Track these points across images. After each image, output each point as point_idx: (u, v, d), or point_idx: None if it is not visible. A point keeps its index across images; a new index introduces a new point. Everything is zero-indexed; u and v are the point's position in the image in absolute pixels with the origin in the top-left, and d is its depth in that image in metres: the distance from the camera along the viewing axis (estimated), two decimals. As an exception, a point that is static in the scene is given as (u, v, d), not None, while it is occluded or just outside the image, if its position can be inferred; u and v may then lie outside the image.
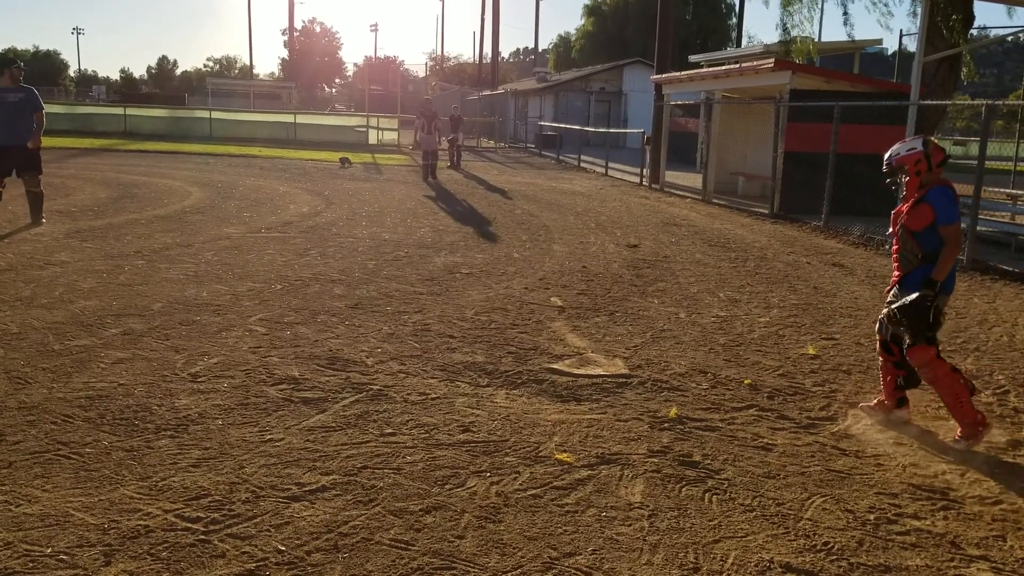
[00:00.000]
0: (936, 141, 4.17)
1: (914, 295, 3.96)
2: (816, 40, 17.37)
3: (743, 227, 12.29)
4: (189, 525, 2.95)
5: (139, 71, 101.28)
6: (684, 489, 3.45)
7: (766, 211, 13.74)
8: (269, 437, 3.78)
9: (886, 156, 4.18)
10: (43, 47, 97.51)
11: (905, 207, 4.14)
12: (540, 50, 70.47)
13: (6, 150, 9.17)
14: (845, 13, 21.52)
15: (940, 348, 4.15)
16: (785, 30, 16.25)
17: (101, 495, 3.15)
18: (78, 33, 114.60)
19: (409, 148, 29.70)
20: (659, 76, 19.39)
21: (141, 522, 2.96)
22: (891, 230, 4.25)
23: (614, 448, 3.84)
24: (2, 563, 2.67)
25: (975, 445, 3.99)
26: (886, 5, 15.76)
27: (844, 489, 3.51)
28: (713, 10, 52.55)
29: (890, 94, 14.44)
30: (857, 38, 18.70)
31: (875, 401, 4.44)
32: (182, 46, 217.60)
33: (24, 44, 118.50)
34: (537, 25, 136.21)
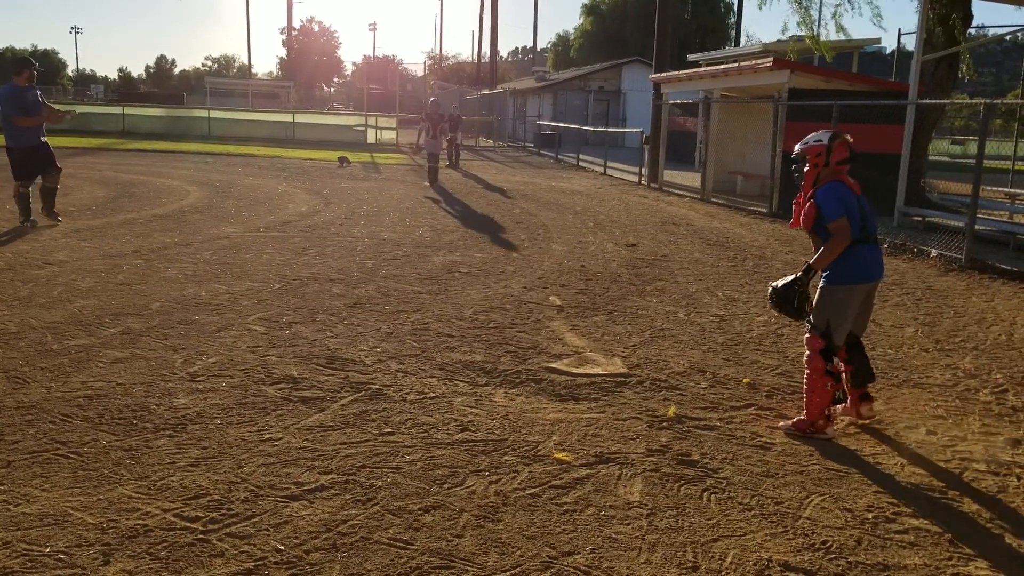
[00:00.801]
0: (848, 140, 4.22)
1: (788, 278, 4.09)
2: (815, 38, 17.30)
3: (742, 226, 12.30)
4: (188, 524, 2.95)
5: (137, 70, 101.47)
6: (682, 488, 3.45)
7: (765, 210, 13.74)
8: (268, 436, 3.78)
9: (798, 144, 4.30)
10: (41, 46, 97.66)
11: (802, 201, 4.23)
12: (539, 49, 70.50)
13: (32, 149, 9.22)
14: (851, 4, 20.52)
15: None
16: (807, 26, 16.15)
17: (100, 494, 3.15)
18: (76, 32, 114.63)
19: (408, 149, 29.66)
20: (658, 75, 19.39)
21: (140, 521, 2.96)
22: (792, 222, 4.35)
23: (613, 447, 3.84)
24: (1, 562, 2.66)
25: (797, 437, 4.05)
26: (878, 7, 15.61)
27: (842, 488, 3.52)
28: (712, 9, 52.57)
29: (889, 93, 14.44)
30: (855, 37, 18.65)
31: (848, 403, 4.40)
32: (180, 45, 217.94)
33: (22, 43, 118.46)
34: (536, 24, 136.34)
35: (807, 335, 4.17)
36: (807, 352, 4.14)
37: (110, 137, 27.06)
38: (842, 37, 16.70)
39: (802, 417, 4.15)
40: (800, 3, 15.54)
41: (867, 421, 4.30)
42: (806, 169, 4.19)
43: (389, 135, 32.12)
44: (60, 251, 7.98)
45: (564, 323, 6.10)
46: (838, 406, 4.22)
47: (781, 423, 4.17)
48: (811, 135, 4.29)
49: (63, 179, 14.25)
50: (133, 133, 29.23)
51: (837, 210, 4.03)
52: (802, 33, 16.02)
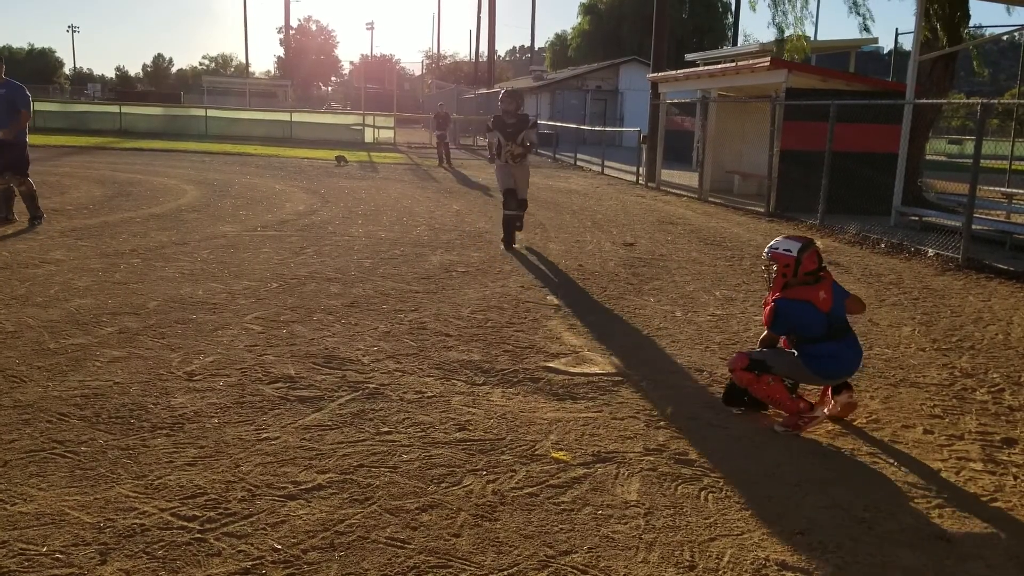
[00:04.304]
0: (818, 249, 4.29)
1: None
2: (811, 39, 17.34)
3: (739, 225, 12.31)
4: (185, 524, 2.95)
5: (134, 69, 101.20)
6: (680, 487, 3.45)
7: (762, 209, 13.76)
8: (265, 436, 3.77)
9: (769, 246, 4.34)
10: (38, 45, 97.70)
11: (769, 300, 4.32)
12: (536, 48, 70.44)
13: None
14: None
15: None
16: (779, 29, 16.27)
17: (97, 494, 3.14)
18: (73, 31, 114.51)
19: (405, 148, 29.53)
20: (655, 75, 19.39)
21: (137, 521, 2.95)
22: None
23: (610, 446, 3.84)
24: (-3, 562, 2.66)
25: (799, 432, 4.08)
26: (869, 10, 15.65)
27: (839, 487, 3.52)
28: (709, 9, 52.61)
29: (886, 93, 14.46)
30: (851, 37, 18.67)
31: (829, 406, 4.40)
32: (178, 44, 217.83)
33: (19, 42, 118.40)
34: (533, 23, 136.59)
35: (734, 355, 4.32)
36: (732, 374, 4.26)
37: (107, 136, 27.00)
38: (793, 31, 16.67)
39: (786, 416, 4.18)
40: (781, 9, 15.59)
41: (849, 414, 4.30)
42: (774, 274, 4.27)
43: (387, 134, 32.11)
44: (57, 250, 7.97)
45: (561, 322, 6.10)
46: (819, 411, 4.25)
47: (775, 426, 4.17)
48: (781, 241, 4.31)
49: (60, 178, 14.28)
50: (130, 132, 29.19)
51: (778, 327, 4.24)
52: (795, 33, 16.04)
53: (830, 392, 4.33)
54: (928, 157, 16.24)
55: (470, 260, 8.41)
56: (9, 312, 5.64)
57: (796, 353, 4.21)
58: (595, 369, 5.01)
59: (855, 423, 4.29)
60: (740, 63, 16.90)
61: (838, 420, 4.30)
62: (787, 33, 16.14)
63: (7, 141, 9.10)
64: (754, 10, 52.04)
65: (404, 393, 4.42)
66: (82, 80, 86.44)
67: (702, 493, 3.41)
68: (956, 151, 26.85)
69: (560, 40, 64.99)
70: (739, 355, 4.29)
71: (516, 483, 3.41)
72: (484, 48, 53.23)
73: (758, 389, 4.20)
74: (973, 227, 9.36)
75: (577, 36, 58.03)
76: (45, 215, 9.67)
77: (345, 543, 2.88)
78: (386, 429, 3.92)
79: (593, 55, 50.83)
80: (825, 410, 4.31)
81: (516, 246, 9.27)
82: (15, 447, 3.53)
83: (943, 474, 3.70)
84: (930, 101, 12.31)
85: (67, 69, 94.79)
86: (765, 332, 4.36)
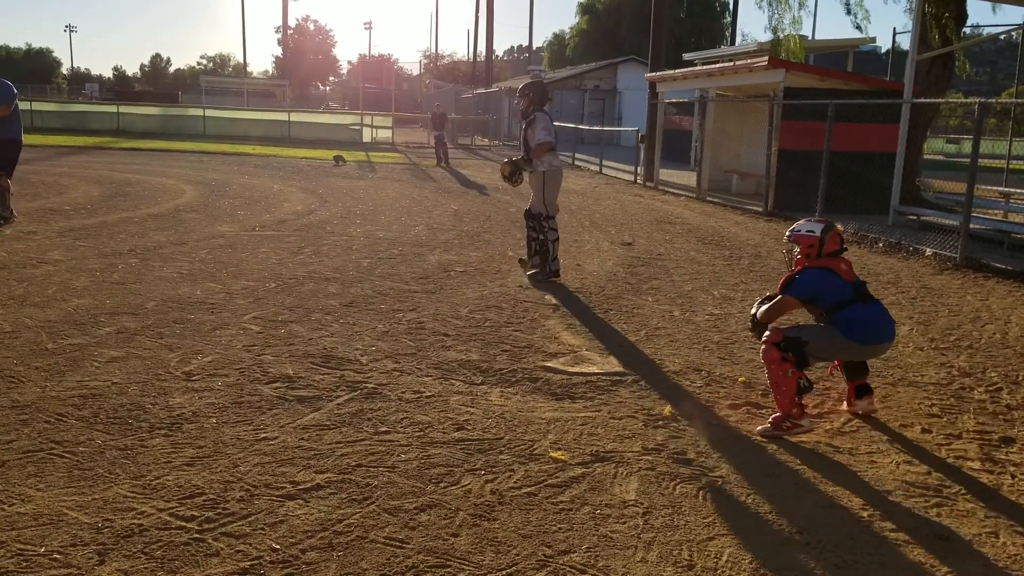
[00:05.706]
0: (839, 230, 4.30)
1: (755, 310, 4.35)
2: (810, 38, 17.37)
3: (737, 225, 12.31)
4: (183, 524, 2.95)
5: (132, 69, 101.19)
6: (678, 487, 3.45)
7: (760, 209, 13.76)
8: (263, 435, 3.77)
9: (790, 229, 4.35)
10: (36, 45, 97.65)
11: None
12: (535, 48, 70.44)
13: None
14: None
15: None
16: (775, 31, 16.30)
17: (95, 494, 3.14)
18: (71, 31, 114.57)
19: (403, 147, 29.50)
20: (653, 74, 19.39)
21: (135, 521, 2.95)
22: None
23: (608, 446, 3.84)
24: (-5, 562, 2.66)
25: (778, 437, 4.01)
26: (867, 11, 15.63)
27: (837, 486, 3.52)
28: (707, 8, 52.66)
29: (884, 92, 14.47)
30: (849, 37, 18.68)
31: (851, 405, 4.40)
32: (176, 44, 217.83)
33: (16, 42, 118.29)
34: (532, 23, 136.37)
35: (769, 332, 4.20)
36: (762, 345, 4.14)
37: (105, 136, 26.97)
38: (789, 32, 16.62)
39: (776, 414, 4.10)
40: (777, 10, 15.60)
41: (866, 413, 4.31)
42: (797, 255, 4.26)
43: (385, 134, 32.11)
44: (55, 250, 7.96)
45: (560, 322, 6.10)
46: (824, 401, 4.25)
47: (758, 427, 4.12)
48: (803, 223, 4.33)
49: (57, 178, 14.27)
50: (128, 132, 29.17)
51: (799, 291, 4.17)
52: (790, 33, 16.03)
53: (854, 393, 4.34)
54: (926, 156, 16.26)
55: (468, 260, 8.41)
56: (7, 312, 5.63)
57: (830, 324, 4.12)
58: (593, 369, 5.01)
59: (853, 423, 4.29)
60: (738, 62, 16.91)
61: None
62: (782, 34, 16.14)
63: (7, 140, 9.13)
64: (759, 7, 52.20)
65: (402, 393, 4.42)
66: (80, 80, 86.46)
67: (700, 492, 3.41)
68: (954, 150, 26.90)
69: (558, 40, 65.03)
70: (775, 331, 4.15)
71: (514, 483, 3.41)
72: (482, 48, 53.26)
73: (776, 370, 4.05)
74: (971, 226, 9.36)
75: (575, 36, 58.08)
76: (17, 216, 9.49)
77: (343, 543, 2.88)
78: (384, 429, 3.92)
79: (591, 55, 50.86)
80: (844, 405, 4.35)
81: (558, 278, 7.52)
82: (13, 447, 3.52)
83: (941, 473, 3.70)
84: (928, 100, 12.32)
85: (65, 69, 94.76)
86: (775, 301, 4.23)
